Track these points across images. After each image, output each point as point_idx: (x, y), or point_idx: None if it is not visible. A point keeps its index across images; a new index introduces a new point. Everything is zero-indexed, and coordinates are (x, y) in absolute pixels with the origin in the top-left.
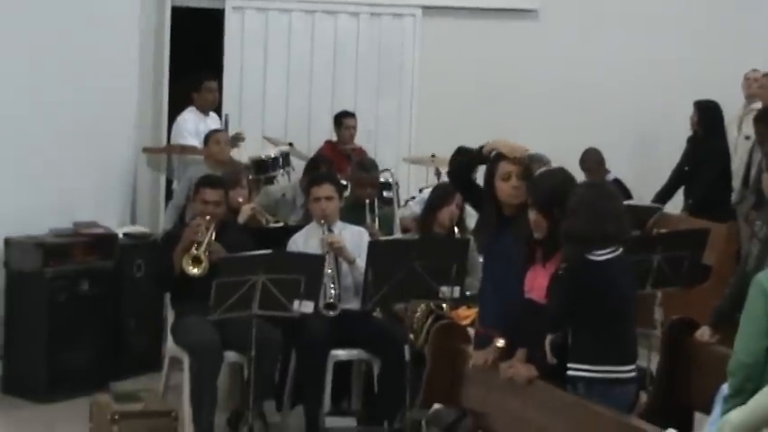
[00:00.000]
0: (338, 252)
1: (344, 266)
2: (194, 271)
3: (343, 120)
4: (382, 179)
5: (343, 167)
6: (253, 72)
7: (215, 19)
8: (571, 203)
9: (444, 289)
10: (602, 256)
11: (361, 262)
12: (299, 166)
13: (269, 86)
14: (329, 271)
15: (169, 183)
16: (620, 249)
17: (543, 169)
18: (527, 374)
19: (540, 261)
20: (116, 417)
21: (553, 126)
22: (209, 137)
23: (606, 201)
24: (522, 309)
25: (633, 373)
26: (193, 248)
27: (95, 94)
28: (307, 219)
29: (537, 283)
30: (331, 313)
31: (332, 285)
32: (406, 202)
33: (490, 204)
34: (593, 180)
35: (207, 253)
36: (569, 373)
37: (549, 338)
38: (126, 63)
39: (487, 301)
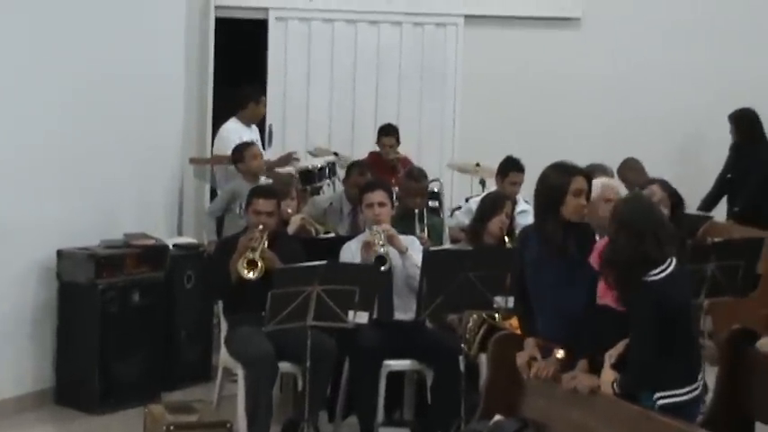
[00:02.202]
0: (390, 240)
1: (398, 266)
2: (250, 275)
3: (381, 138)
4: (431, 189)
5: (386, 177)
6: (296, 82)
7: (259, 29)
8: (610, 228)
9: (498, 299)
10: (660, 274)
11: (413, 255)
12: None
13: (312, 96)
14: (380, 248)
15: (214, 194)
16: (674, 260)
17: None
18: (590, 385)
19: None
20: (171, 428)
21: (595, 133)
22: (242, 152)
23: (640, 215)
24: (595, 314)
25: (699, 390)
26: (249, 252)
27: (143, 106)
28: (354, 227)
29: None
30: (382, 268)
31: (383, 247)
32: (453, 211)
33: (555, 216)
34: (630, 194)
35: (262, 258)
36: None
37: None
38: (172, 75)
39: (543, 311)
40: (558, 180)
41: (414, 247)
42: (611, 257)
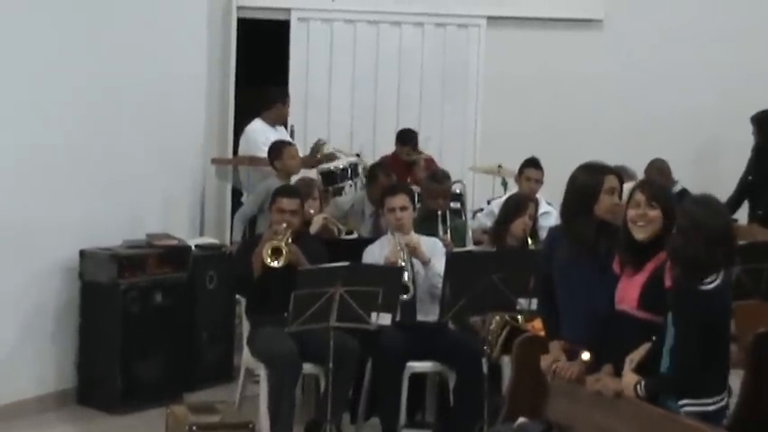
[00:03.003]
0: (413, 252)
1: (420, 273)
2: (274, 263)
3: (398, 145)
4: (453, 190)
5: (403, 178)
6: (318, 83)
7: (281, 30)
8: (681, 222)
9: (521, 301)
10: (712, 283)
11: (438, 266)
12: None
13: (334, 97)
14: (403, 263)
15: (236, 194)
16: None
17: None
18: (614, 387)
19: (630, 270)
20: (194, 428)
21: (616, 135)
22: (281, 150)
23: (715, 221)
24: (613, 320)
25: (725, 401)
26: (274, 239)
27: (165, 106)
28: (376, 229)
29: (628, 294)
30: (404, 297)
31: (406, 272)
32: (475, 213)
33: (587, 216)
34: (701, 195)
35: (287, 246)
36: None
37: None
38: (194, 75)
39: (570, 313)
40: (592, 179)
41: (436, 251)
42: (682, 251)
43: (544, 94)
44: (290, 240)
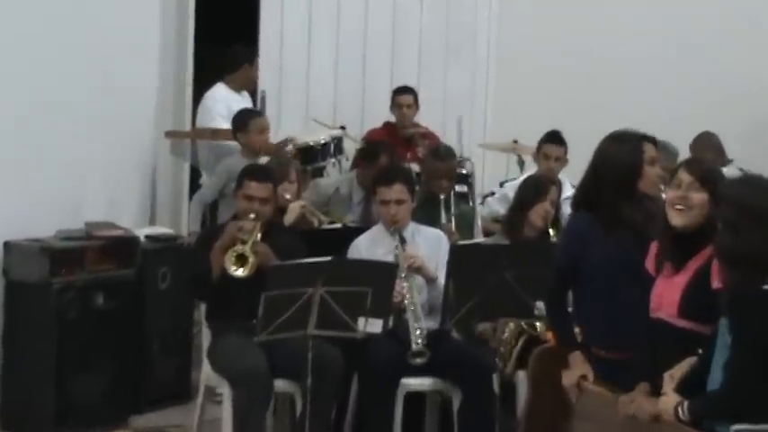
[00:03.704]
0: (417, 271)
1: (418, 279)
2: (239, 272)
3: (396, 97)
4: (459, 170)
5: (402, 155)
6: (295, 41)
7: None
8: (725, 214)
9: (540, 305)
10: None
11: (442, 276)
12: (353, 154)
13: (314, 59)
14: (409, 303)
15: (194, 174)
16: None
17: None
18: (652, 410)
19: (669, 269)
20: None
21: (656, 107)
22: (247, 122)
23: None
24: (648, 331)
25: None
26: (238, 245)
27: (108, 68)
28: (366, 218)
29: (666, 299)
30: (418, 361)
31: (416, 326)
32: (484, 198)
33: (630, 195)
34: (747, 175)
35: (254, 252)
36: None
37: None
38: (144, 31)
39: (614, 316)
40: (630, 151)
41: (440, 249)
42: (733, 248)
43: (570, 58)
44: (258, 237)
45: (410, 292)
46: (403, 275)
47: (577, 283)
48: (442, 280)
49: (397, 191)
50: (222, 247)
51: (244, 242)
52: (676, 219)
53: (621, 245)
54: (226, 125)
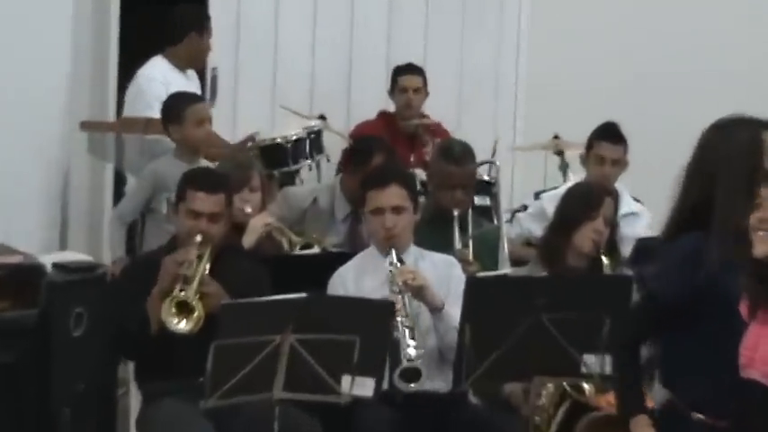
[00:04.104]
0: (416, 293)
1: (424, 319)
2: (182, 326)
3: (398, 78)
4: (479, 177)
5: (403, 156)
6: (258, 3)
7: None
8: None
9: (590, 359)
10: None
11: (453, 311)
12: (336, 153)
13: (284, 26)
14: (403, 319)
15: (120, 181)
16: None
17: None
18: None
19: (764, 316)
20: None
21: (737, 94)
22: (181, 108)
23: None
24: (736, 390)
25: None
26: (177, 289)
27: (4, 41)
28: (353, 241)
29: (761, 352)
30: (411, 386)
31: (409, 340)
32: (514, 214)
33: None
34: None
35: (200, 296)
36: None
37: None
38: None
39: (713, 371)
40: (752, 140)
41: (452, 281)
42: None
43: (623, 29)
44: (207, 269)
45: (404, 309)
46: (396, 290)
47: (675, 326)
48: (453, 317)
49: (392, 194)
50: (161, 292)
51: (187, 280)
52: (763, 247)
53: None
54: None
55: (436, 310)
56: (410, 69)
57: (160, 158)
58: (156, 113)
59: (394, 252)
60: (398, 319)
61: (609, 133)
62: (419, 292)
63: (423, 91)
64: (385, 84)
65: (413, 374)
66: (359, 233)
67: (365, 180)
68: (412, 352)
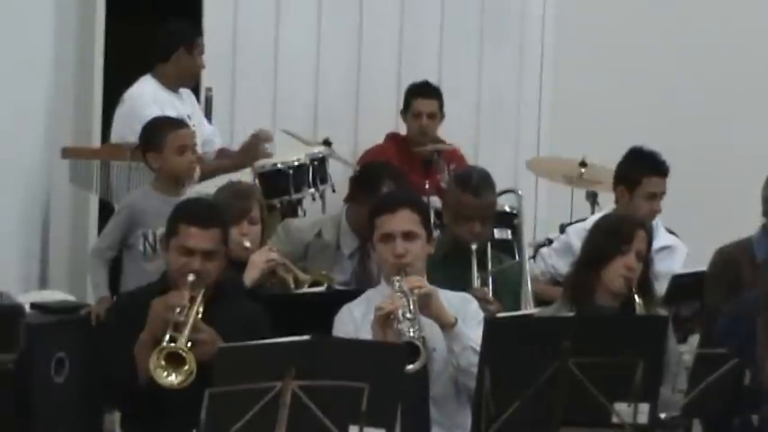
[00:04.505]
0: (423, 302)
1: (438, 359)
2: (171, 379)
3: (413, 101)
4: (500, 207)
5: (418, 182)
6: (256, 13)
7: None
8: None
9: (621, 408)
10: None
11: (472, 335)
12: (341, 182)
13: (284, 44)
14: (404, 314)
15: (106, 213)
16: None
17: None
18: None
19: None
20: None
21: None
22: (162, 134)
23: None
24: None
25: None
26: (165, 339)
27: None
28: (361, 278)
29: None
30: (410, 367)
31: (409, 321)
32: (537, 248)
33: None
34: None
35: (192, 344)
36: None
37: None
38: (32, 8)
39: None
40: None
41: (468, 314)
42: None
43: (652, 44)
44: (200, 313)
45: (408, 310)
46: (400, 294)
47: None
48: (469, 336)
49: (403, 219)
50: (150, 339)
51: (178, 327)
52: None
53: None
54: None
55: (448, 326)
56: (426, 92)
57: (136, 190)
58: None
59: (403, 274)
60: (400, 312)
61: (659, 167)
62: (427, 301)
63: (438, 116)
64: (396, 106)
65: (413, 353)
66: (368, 270)
67: (374, 206)
68: (412, 330)
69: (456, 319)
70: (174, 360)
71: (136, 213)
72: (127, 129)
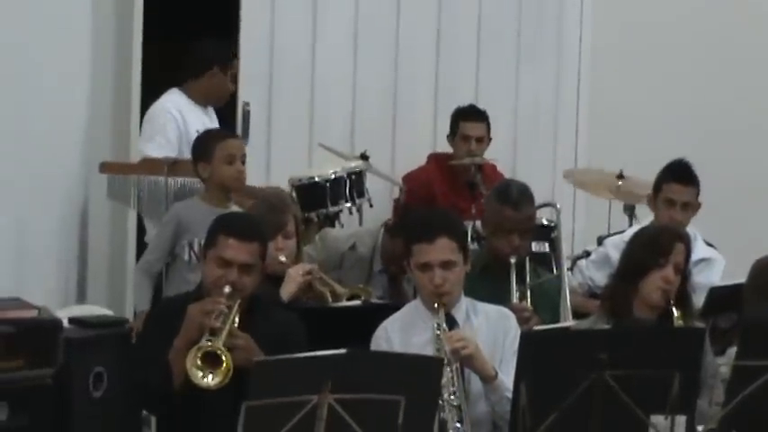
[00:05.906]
0: (467, 362)
1: (475, 384)
2: (208, 380)
3: (462, 124)
4: (538, 221)
5: (464, 207)
6: (293, 31)
7: None
8: None
9: (658, 421)
10: None
11: (507, 376)
12: (378, 196)
13: (321, 61)
14: (451, 396)
15: (144, 228)
16: None
17: None
18: None
19: None
20: None
21: None
22: (211, 145)
23: None
24: None
25: None
26: (204, 339)
27: (9, 71)
28: (394, 295)
29: None
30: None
31: (457, 423)
32: (575, 261)
33: None
34: None
35: (230, 348)
36: None
37: None
38: (68, 19)
39: None
40: None
41: (507, 339)
42: None
43: (693, 55)
44: (236, 322)
45: (452, 384)
46: (444, 361)
47: None
48: (508, 381)
49: (441, 249)
50: (185, 343)
51: (214, 332)
52: None
53: None
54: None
55: (489, 378)
56: (474, 115)
57: (185, 201)
58: (158, 148)
59: (442, 313)
60: (445, 395)
61: (678, 174)
62: (470, 361)
63: (486, 139)
64: (432, 120)
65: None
66: (401, 289)
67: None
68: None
69: (496, 372)
70: (211, 361)
71: (182, 223)
72: (144, 138)
